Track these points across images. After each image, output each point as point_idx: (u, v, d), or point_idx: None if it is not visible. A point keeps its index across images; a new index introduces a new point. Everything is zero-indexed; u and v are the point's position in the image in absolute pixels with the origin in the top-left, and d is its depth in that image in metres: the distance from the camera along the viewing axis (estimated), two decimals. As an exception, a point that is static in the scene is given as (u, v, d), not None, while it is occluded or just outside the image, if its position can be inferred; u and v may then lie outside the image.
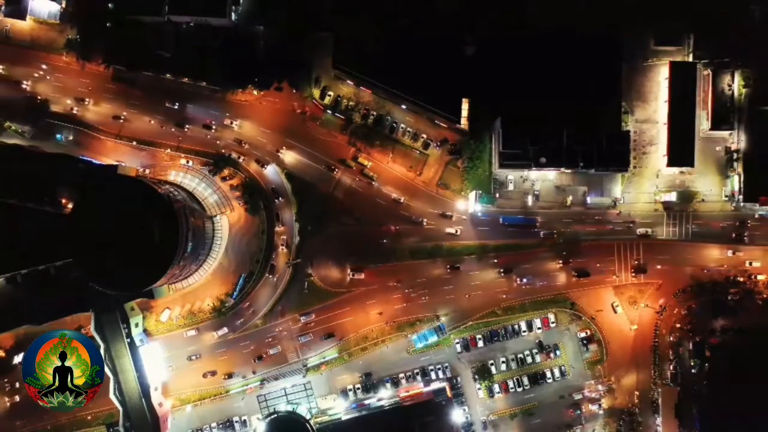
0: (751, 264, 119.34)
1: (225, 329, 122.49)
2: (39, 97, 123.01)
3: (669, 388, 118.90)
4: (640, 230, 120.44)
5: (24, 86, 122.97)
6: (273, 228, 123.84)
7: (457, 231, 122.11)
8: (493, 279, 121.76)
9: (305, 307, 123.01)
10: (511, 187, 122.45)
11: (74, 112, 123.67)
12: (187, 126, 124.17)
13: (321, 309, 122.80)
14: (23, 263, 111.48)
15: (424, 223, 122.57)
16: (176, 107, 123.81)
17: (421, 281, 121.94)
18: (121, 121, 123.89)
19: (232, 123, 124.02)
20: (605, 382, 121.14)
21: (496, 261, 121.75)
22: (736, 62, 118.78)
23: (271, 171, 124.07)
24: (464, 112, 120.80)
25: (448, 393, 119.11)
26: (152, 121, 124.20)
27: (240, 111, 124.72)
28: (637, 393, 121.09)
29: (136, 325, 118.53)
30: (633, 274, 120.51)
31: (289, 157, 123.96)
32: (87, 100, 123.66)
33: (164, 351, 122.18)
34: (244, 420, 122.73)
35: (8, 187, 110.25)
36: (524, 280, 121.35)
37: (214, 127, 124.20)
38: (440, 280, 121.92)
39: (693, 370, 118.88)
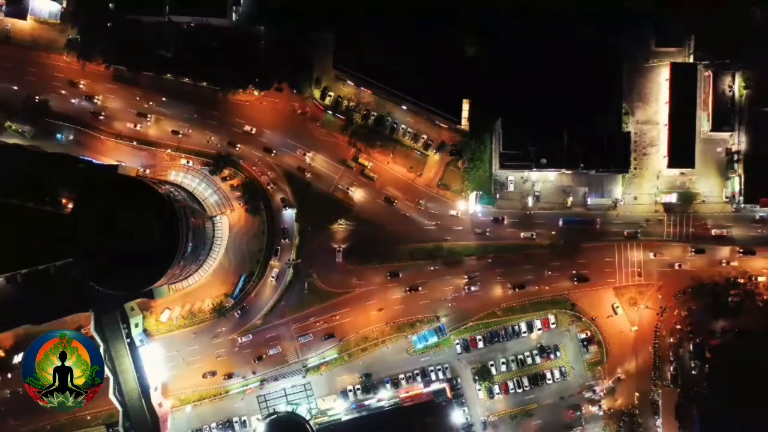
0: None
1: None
2: (103, 113, 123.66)
3: (669, 389, 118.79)
4: (716, 231, 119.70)
5: (96, 101, 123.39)
6: (273, 228, 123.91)
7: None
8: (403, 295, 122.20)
9: (305, 308, 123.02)
10: (511, 187, 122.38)
11: (138, 128, 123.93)
12: (238, 145, 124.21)
13: (319, 310, 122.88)
14: (23, 263, 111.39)
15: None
16: (253, 132, 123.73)
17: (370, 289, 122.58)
18: (180, 135, 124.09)
19: (305, 155, 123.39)
20: (606, 383, 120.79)
21: (433, 269, 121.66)
22: (736, 63, 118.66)
23: (288, 214, 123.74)
24: (465, 113, 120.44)
25: (448, 394, 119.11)
26: (212, 138, 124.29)
27: (241, 111, 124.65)
28: (637, 394, 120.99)
29: (136, 325, 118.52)
30: (575, 281, 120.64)
31: (358, 195, 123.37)
32: (149, 116, 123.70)
33: (165, 351, 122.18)
34: (244, 420, 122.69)
35: (8, 187, 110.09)
36: (472, 288, 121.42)
37: (274, 152, 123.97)
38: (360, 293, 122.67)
39: (693, 372, 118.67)
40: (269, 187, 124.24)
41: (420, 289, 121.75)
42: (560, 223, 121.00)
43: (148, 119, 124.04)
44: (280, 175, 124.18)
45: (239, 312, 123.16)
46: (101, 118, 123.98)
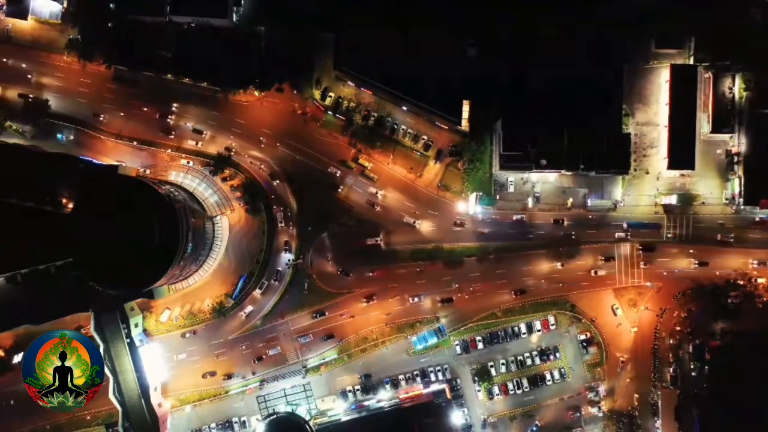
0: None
1: None
2: (174, 132, 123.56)
3: (669, 390, 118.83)
4: None
5: (169, 119, 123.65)
6: (273, 229, 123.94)
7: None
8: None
9: (305, 308, 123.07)
10: (511, 188, 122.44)
11: (198, 146, 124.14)
12: (276, 181, 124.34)
13: (319, 310, 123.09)
14: (23, 263, 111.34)
15: None
16: (338, 174, 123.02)
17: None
18: (232, 153, 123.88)
19: (377, 192, 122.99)
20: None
21: (370, 274, 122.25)
22: (736, 65, 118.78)
23: (286, 258, 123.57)
24: (465, 114, 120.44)
25: (448, 394, 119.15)
26: (262, 167, 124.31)
27: (241, 112, 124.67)
28: (636, 395, 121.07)
29: (136, 325, 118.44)
30: (515, 295, 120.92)
31: (425, 226, 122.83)
32: (205, 132, 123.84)
33: (164, 351, 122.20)
34: (244, 421, 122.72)
35: (8, 187, 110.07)
36: (415, 299, 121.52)
37: (341, 189, 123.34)
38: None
39: (693, 373, 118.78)
40: (280, 225, 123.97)
41: (327, 314, 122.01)
42: (624, 225, 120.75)
43: (205, 135, 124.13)
44: (367, 203, 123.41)
45: (191, 334, 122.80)
46: (171, 136, 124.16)
